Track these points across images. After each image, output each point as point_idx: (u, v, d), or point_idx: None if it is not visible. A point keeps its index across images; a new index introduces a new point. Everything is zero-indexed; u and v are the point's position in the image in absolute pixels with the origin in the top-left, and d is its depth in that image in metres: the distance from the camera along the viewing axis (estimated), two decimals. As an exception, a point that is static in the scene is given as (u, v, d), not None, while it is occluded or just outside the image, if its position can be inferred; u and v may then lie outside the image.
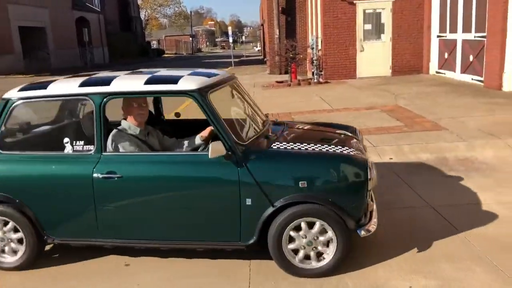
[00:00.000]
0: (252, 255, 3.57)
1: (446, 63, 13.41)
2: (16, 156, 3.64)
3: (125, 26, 50.16)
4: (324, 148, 3.51)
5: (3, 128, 3.62)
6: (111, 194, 3.41)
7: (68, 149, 3.54)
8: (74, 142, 3.54)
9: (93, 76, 3.85)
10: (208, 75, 3.70)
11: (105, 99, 3.43)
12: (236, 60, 31.45)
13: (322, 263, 3.31)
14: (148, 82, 3.48)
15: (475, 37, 11.65)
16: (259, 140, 3.58)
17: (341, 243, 3.25)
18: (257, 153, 3.36)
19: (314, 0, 16.60)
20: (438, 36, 13.77)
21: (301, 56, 16.17)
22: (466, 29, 12.13)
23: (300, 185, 3.20)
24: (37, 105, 3.89)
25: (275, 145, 3.51)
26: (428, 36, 14.11)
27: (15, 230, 3.61)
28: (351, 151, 3.51)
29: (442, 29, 13.53)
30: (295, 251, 3.33)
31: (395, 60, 14.39)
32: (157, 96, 4.13)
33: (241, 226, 3.30)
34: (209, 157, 3.17)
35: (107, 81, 3.54)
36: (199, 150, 3.74)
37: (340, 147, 3.57)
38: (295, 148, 3.48)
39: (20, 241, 3.63)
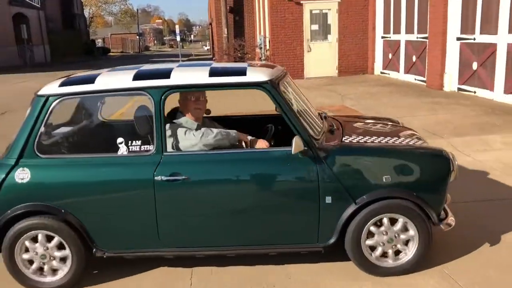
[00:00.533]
0: (194, 263, 3.38)
1: (390, 64, 13.74)
2: (59, 161, 3.18)
3: (67, 23, 48.21)
4: (397, 141, 3.38)
5: (42, 129, 3.12)
6: (176, 198, 3.07)
7: (123, 150, 3.16)
8: (130, 142, 3.16)
9: (143, 68, 3.43)
10: (271, 67, 3.43)
11: (165, 94, 3.08)
12: (185, 59, 30.93)
13: (401, 261, 3.19)
14: (213, 74, 3.19)
15: (417, 38, 11.98)
16: (328, 134, 3.37)
17: (423, 240, 3.13)
18: (335, 148, 3.15)
19: (261, 0, 16.56)
20: (382, 37, 14.08)
21: (250, 55, 16.12)
22: (409, 30, 12.47)
23: (384, 179, 3.03)
24: (80, 101, 3.50)
25: (346, 139, 3.32)
26: (373, 37, 14.40)
27: (60, 245, 3.14)
28: (425, 143, 3.42)
29: (386, 30, 13.85)
30: (372, 248, 3.17)
31: (341, 61, 14.60)
32: (224, 89, 3.58)
33: (319, 226, 3.09)
34: (293, 152, 2.94)
35: (166, 73, 3.17)
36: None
37: (410, 139, 3.47)
38: (368, 141, 3.30)
39: (63, 258, 3.17)
